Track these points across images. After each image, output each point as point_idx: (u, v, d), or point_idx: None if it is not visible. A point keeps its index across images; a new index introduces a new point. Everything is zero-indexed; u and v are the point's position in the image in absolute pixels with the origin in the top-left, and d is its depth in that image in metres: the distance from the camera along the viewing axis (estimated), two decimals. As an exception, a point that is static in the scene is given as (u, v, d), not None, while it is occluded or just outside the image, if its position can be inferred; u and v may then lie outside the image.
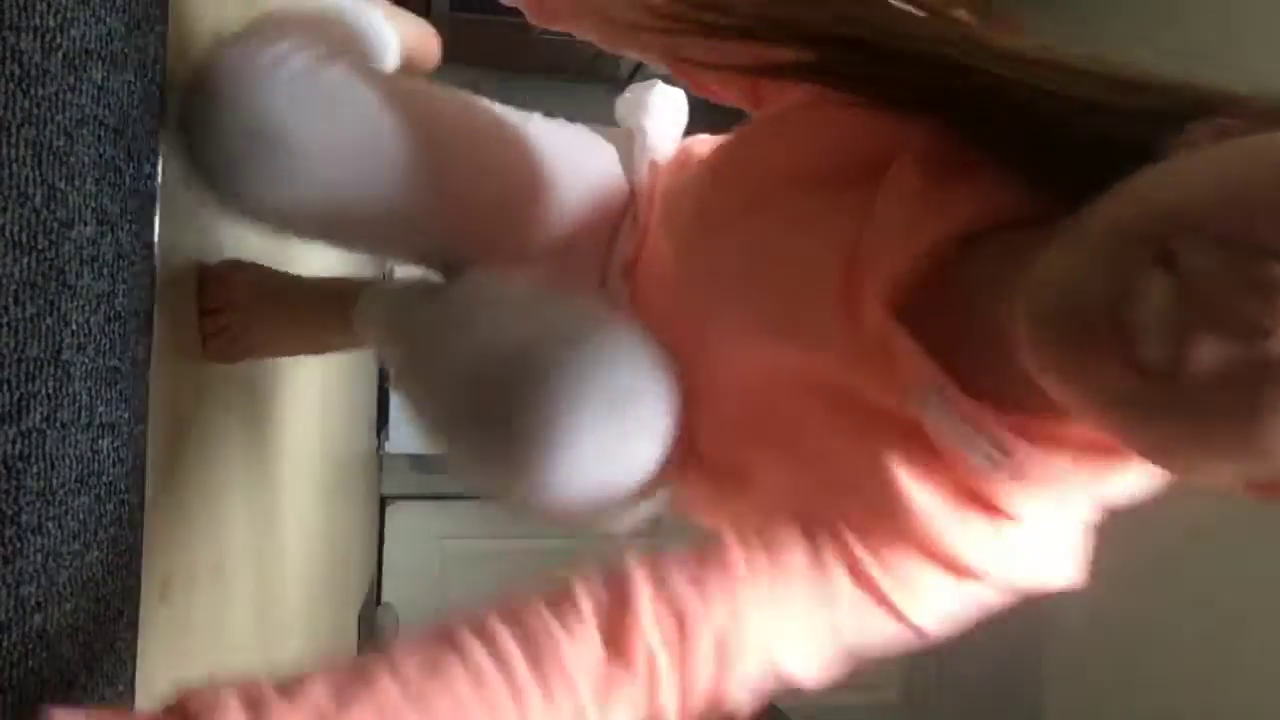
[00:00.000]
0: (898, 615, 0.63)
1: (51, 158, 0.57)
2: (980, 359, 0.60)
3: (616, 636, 0.57)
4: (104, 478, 0.67)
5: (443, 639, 0.55)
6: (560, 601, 0.58)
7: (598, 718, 0.57)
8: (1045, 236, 0.55)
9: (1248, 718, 1.94)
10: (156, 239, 0.76)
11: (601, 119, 0.91)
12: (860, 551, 0.62)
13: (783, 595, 0.61)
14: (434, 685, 0.53)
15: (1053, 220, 0.56)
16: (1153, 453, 0.54)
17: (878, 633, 0.64)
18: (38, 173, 0.55)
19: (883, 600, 0.62)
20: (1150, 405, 0.49)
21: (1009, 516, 0.63)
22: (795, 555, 0.62)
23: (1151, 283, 0.48)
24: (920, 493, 0.62)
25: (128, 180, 0.69)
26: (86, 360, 0.63)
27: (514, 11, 0.81)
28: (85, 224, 0.62)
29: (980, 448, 0.60)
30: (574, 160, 0.87)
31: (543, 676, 0.55)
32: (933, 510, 0.62)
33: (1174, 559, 2.04)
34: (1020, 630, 2.51)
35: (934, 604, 0.64)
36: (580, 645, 0.56)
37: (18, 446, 0.54)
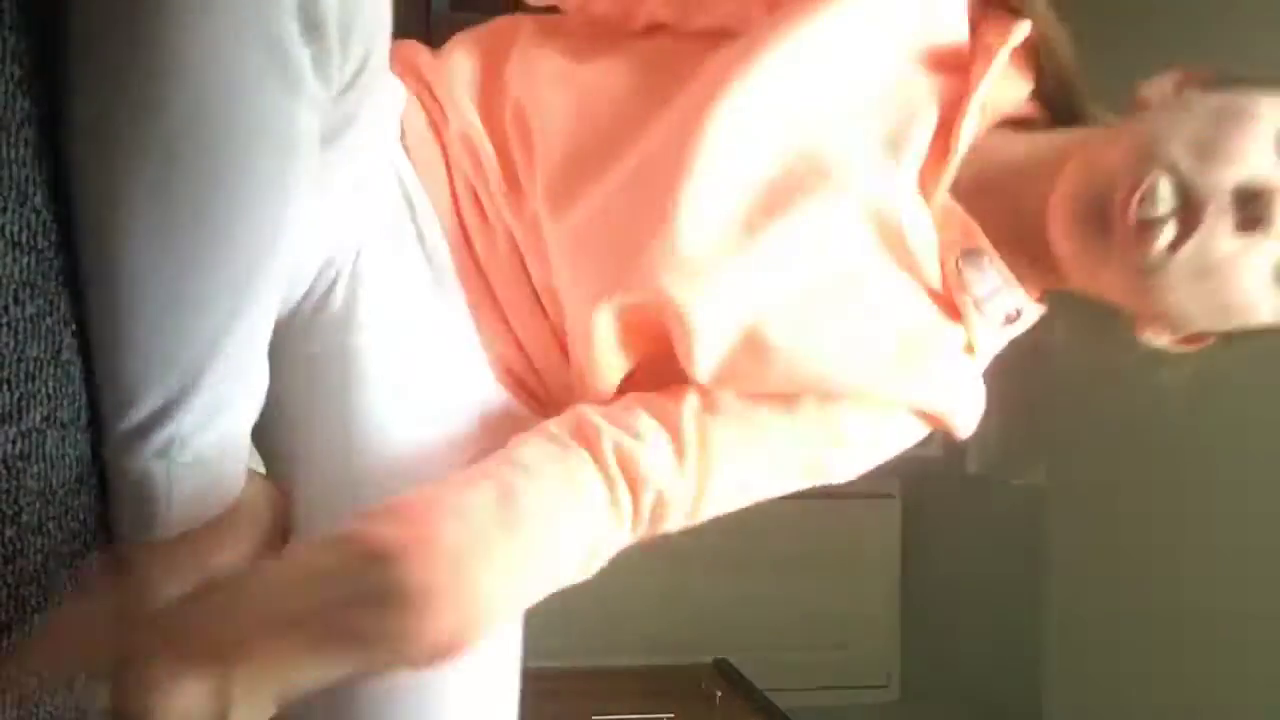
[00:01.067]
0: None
1: (51, 157, 0.57)
2: (1008, 229, 0.75)
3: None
4: (104, 477, 0.67)
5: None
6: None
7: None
8: (1063, 144, 0.75)
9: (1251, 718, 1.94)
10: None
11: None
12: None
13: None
14: None
15: (1053, 125, 0.79)
16: (1138, 301, 0.74)
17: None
18: (38, 173, 0.55)
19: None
20: (1149, 270, 0.69)
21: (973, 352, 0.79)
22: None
23: (1160, 187, 0.68)
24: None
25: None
26: (86, 360, 0.63)
27: (514, 11, 0.81)
28: (85, 224, 0.62)
29: (1005, 304, 0.77)
30: None
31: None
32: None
33: (1174, 559, 2.04)
34: (1020, 629, 2.51)
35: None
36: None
37: (18, 446, 0.54)
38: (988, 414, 0.84)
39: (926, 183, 0.74)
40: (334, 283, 0.74)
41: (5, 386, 0.52)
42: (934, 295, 0.77)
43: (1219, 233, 0.68)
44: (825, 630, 2.86)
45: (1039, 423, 2.23)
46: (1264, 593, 1.88)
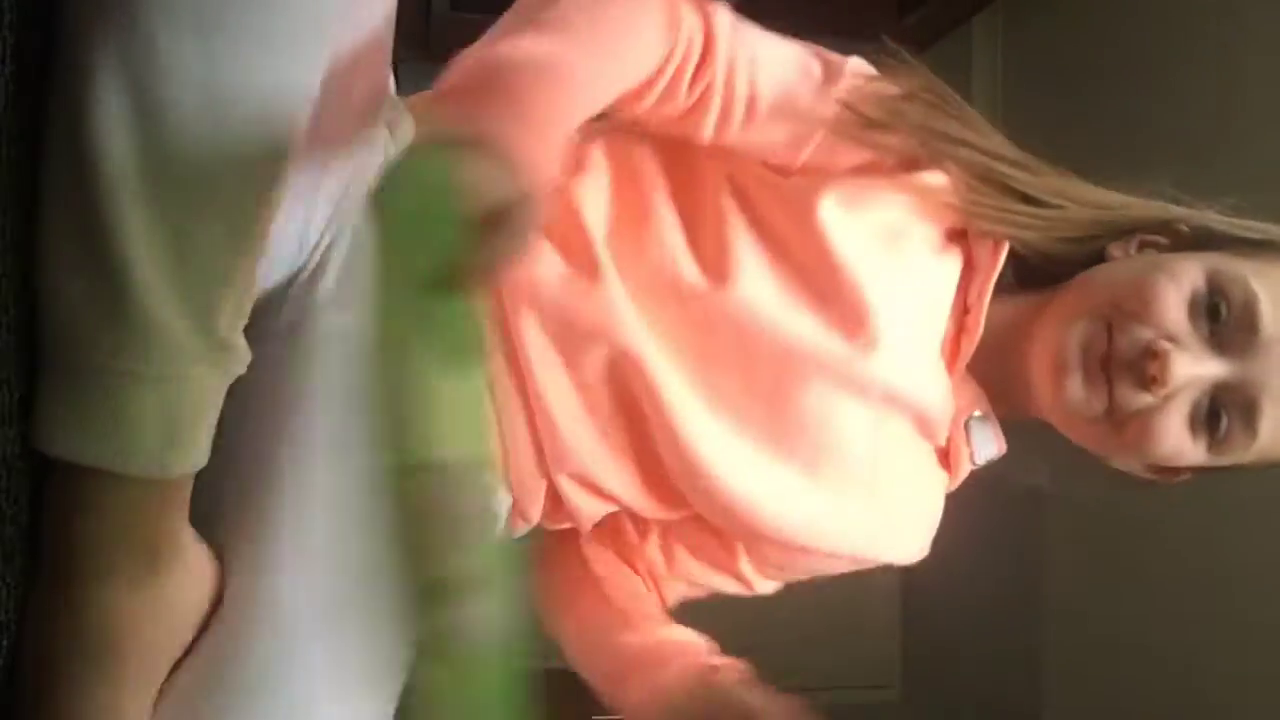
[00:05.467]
0: None
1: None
2: (995, 385, 0.87)
3: None
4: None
5: None
6: None
7: None
8: (1041, 301, 0.84)
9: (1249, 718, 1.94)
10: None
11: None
12: None
13: None
14: None
15: (1033, 289, 0.86)
16: (1100, 449, 0.86)
17: None
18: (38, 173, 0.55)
19: None
20: (1102, 421, 0.80)
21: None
22: None
23: (1100, 340, 0.78)
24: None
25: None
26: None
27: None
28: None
29: (992, 453, 0.89)
30: None
31: None
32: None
33: (1174, 562, 2.04)
34: (1020, 629, 2.51)
35: None
36: None
37: (17, 446, 0.54)
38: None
39: (946, 356, 0.84)
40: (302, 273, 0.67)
41: (5, 387, 0.52)
42: (937, 450, 0.89)
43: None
44: (825, 630, 2.86)
45: (1041, 424, 2.22)
46: (1264, 592, 1.88)
